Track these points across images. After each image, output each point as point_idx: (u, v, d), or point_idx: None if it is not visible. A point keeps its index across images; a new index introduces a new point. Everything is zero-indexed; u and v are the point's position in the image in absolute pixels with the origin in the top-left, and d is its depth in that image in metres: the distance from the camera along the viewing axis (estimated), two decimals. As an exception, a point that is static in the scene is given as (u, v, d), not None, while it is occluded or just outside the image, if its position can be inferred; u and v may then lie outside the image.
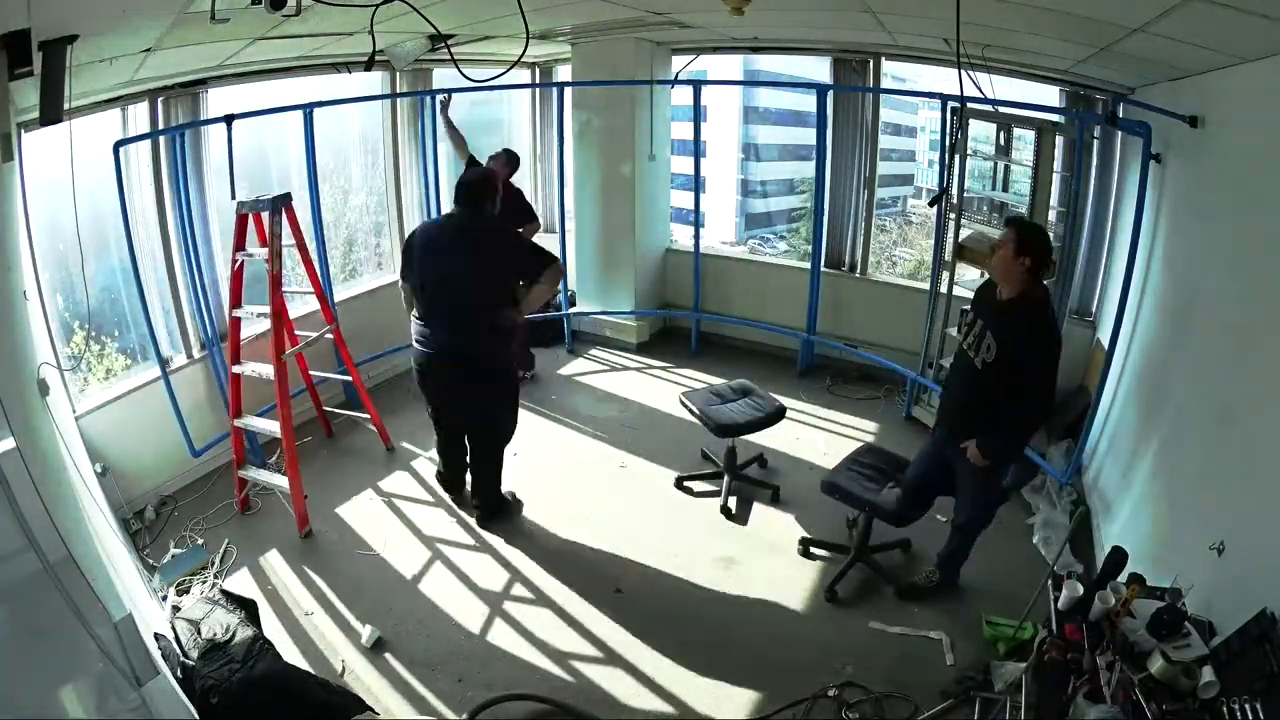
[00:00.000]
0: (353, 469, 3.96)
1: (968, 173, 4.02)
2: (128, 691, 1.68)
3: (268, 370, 3.39)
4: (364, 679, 2.65)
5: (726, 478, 3.65)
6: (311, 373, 4.15)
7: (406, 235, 3.38)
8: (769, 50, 5.13)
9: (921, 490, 2.90)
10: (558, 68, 5.96)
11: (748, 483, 3.74)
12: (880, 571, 3.08)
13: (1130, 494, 2.99)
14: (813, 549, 3.29)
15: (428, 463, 4.00)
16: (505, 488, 3.59)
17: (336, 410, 4.30)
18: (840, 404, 4.66)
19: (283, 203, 3.43)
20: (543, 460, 4.03)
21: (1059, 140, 3.51)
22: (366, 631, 2.83)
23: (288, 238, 3.55)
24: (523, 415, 4.56)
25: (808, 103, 5.72)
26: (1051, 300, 2.76)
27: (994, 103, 3.65)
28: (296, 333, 3.82)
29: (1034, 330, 2.45)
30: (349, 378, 4.09)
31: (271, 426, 3.47)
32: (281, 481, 3.42)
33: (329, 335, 3.95)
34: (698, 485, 3.76)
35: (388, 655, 2.75)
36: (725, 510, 3.55)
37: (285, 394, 3.38)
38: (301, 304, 4.22)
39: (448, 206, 5.00)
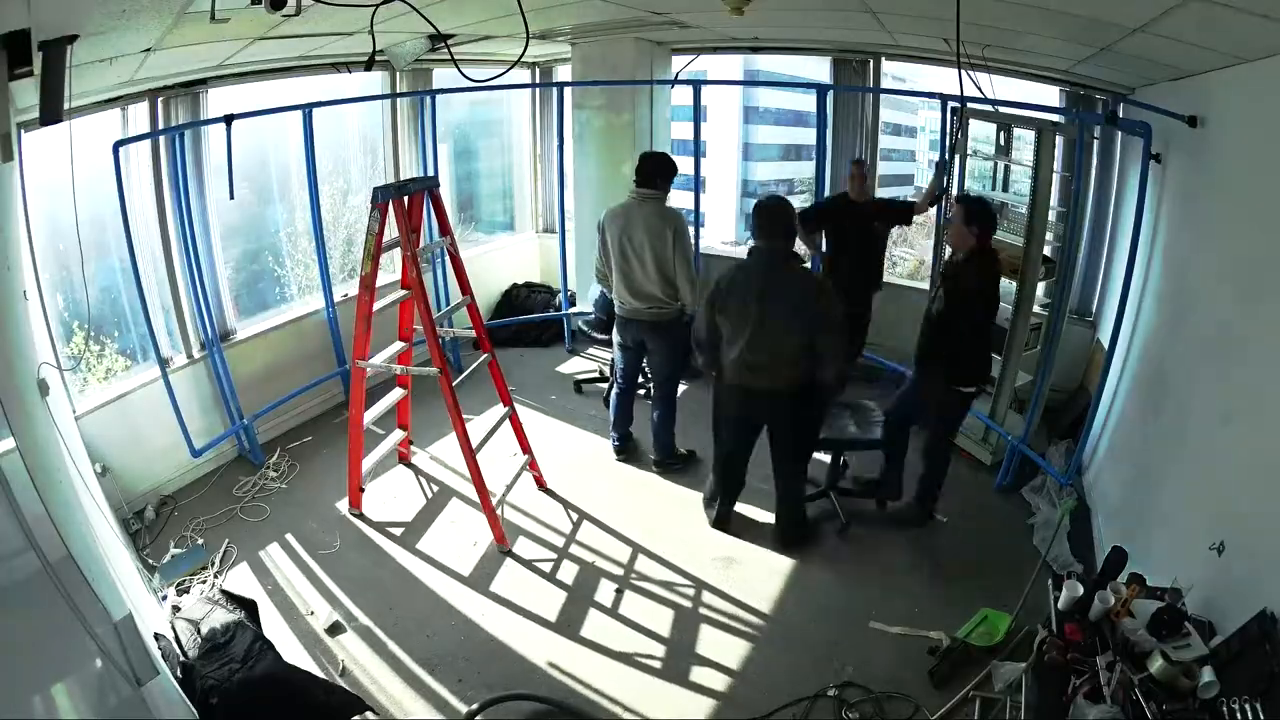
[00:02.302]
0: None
1: (968, 173, 4.02)
2: (128, 691, 1.68)
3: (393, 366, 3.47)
4: (364, 679, 2.65)
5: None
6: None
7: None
8: (769, 50, 5.13)
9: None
10: (558, 68, 5.96)
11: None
12: (841, 507, 3.43)
13: (1130, 493, 2.99)
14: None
15: (430, 463, 4.01)
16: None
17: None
18: (840, 404, 4.66)
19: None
20: (542, 458, 4.03)
21: (1059, 140, 3.51)
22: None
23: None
24: (523, 414, 4.55)
25: (808, 103, 5.71)
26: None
27: (994, 103, 3.65)
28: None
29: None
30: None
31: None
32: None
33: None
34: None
35: (388, 655, 2.75)
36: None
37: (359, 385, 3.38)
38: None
39: (448, 205, 5.00)
